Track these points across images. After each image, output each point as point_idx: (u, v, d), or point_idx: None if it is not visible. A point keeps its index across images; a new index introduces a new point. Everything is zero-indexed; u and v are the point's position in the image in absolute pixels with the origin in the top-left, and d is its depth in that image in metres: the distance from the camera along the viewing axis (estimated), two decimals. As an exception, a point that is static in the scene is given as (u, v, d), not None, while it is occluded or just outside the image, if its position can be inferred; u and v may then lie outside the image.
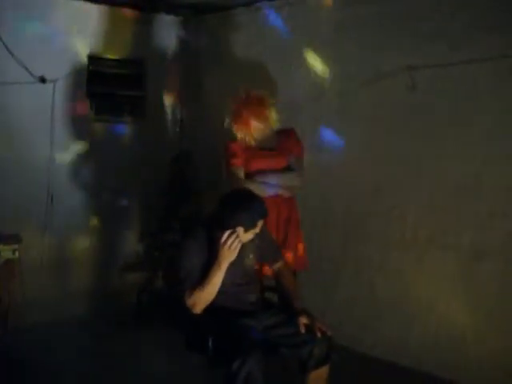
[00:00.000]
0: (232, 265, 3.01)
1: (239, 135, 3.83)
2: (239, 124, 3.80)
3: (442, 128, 3.92)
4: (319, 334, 2.94)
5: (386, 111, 4.23)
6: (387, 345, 4.19)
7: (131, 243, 5.54)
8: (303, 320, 3.00)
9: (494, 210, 3.68)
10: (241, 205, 2.99)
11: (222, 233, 2.96)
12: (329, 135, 4.54)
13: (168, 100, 5.72)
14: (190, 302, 2.99)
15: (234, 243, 2.93)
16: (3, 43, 4.56)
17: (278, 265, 3.33)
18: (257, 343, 2.87)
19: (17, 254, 4.28)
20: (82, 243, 5.21)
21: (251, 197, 3.07)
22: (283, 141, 3.91)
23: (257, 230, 3.02)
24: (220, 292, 3.01)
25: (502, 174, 3.65)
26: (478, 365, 3.72)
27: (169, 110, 5.74)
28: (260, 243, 3.21)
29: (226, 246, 2.92)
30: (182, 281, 3.04)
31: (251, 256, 3.20)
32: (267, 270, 3.45)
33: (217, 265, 2.95)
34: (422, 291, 4.05)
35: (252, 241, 3.08)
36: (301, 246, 3.92)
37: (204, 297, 2.98)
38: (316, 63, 4.61)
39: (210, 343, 2.92)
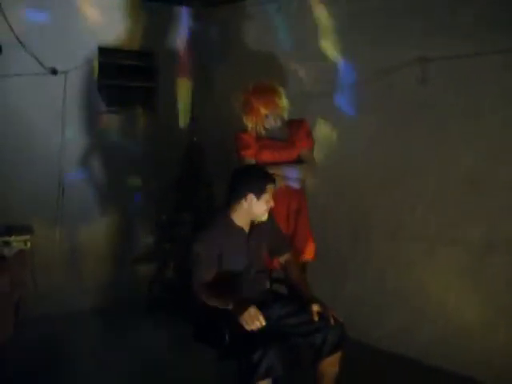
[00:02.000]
0: (246, 253, 3.12)
1: (250, 125, 3.82)
2: (249, 113, 3.80)
3: (451, 121, 3.90)
4: (332, 321, 2.97)
5: (395, 104, 4.21)
6: (396, 338, 4.19)
7: (142, 235, 5.55)
8: (315, 308, 3.02)
9: (505, 203, 3.66)
10: (248, 173, 3.17)
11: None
12: (338, 127, 4.53)
13: (179, 92, 5.72)
14: (200, 297, 3.04)
15: (257, 321, 2.81)
16: (14, 35, 4.57)
17: (286, 256, 3.35)
18: (275, 334, 2.88)
19: (29, 244, 4.29)
20: (94, 235, 5.23)
21: (257, 167, 3.27)
22: (294, 132, 3.90)
23: (267, 197, 3.09)
24: (234, 279, 3.08)
25: (512, 167, 3.64)
26: (488, 359, 3.71)
27: (180, 101, 5.74)
28: (270, 234, 3.26)
29: (250, 317, 2.81)
30: (197, 274, 3.07)
31: (263, 244, 3.25)
32: (276, 262, 3.46)
33: (229, 304, 2.88)
34: (431, 285, 4.04)
35: (264, 227, 3.18)
36: (310, 237, 3.93)
37: (211, 303, 3.00)
38: (327, 55, 4.60)
39: (227, 336, 2.90)
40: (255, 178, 3.10)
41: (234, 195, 3.10)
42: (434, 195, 4.02)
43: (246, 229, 3.19)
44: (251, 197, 3.06)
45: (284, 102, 3.84)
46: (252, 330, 2.78)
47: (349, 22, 4.47)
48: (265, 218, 3.16)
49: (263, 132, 3.83)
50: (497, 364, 3.67)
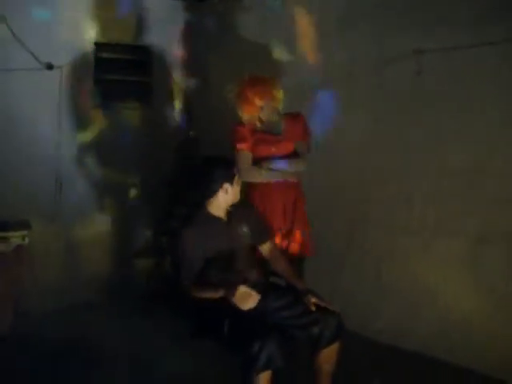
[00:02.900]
0: (229, 241, 3.17)
1: (245, 117, 3.80)
2: (244, 104, 3.77)
3: (447, 113, 3.90)
4: (330, 309, 3.01)
5: (391, 97, 4.22)
6: (394, 330, 4.20)
7: (139, 229, 5.57)
8: (312, 299, 3.05)
9: (501, 195, 3.67)
10: (217, 165, 3.22)
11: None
12: (334, 121, 4.53)
13: (175, 86, 5.71)
14: (191, 292, 3.06)
15: (250, 298, 2.86)
16: (10, 30, 4.56)
17: (268, 246, 3.38)
18: (272, 326, 2.90)
19: (26, 240, 4.28)
20: (91, 230, 5.23)
21: (219, 157, 3.33)
22: (290, 125, 3.89)
23: (237, 178, 3.23)
24: (223, 270, 3.11)
25: (508, 159, 3.64)
26: (485, 349, 3.72)
27: (176, 96, 5.73)
28: (249, 220, 3.31)
29: (242, 296, 2.85)
30: (183, 271, 3.11)
31: (246, 233, 3.28)
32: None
33: (219, 291, 2.92)
34: (428, 277, 4.06)
35: (242, 213, 3.27)
36: (307, 231, 3.93)
37: (202, 296, 3.03)
38: (323, 48, 4.59)
39: (226, 328, 2.91)
40: (225, 168, 3.22)
41: (210, 189, 3.19)
42: (431, 189, 4.02)
43: (224, 217, 3.25)
44: (227, 186, 3.18)
45: (280, 93, 3.83)
46: (245, 315, 2.81)
47: (345, 15, 4.47)
48: (239, 197, 3.28)
49: (259, 124, 3.82)
50: (495, 355, 3.68)
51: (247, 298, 2.83)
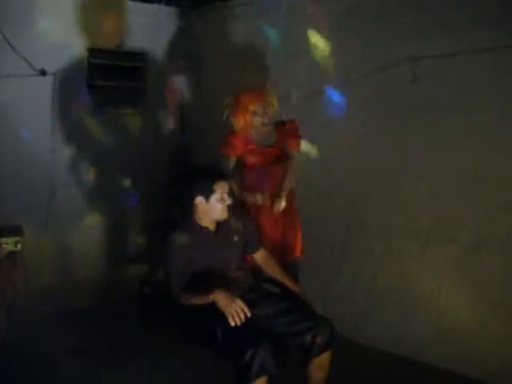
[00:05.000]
0: (216, 251, 3.14)
1: (240, 125, 3.80)
2: (237, 111, 3.78)
3: (443, 119, 3.91)
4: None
5: (387, 102, 4.22)
6: (389, 336, 4.20)
7: (133, 235, 5.56)
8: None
9: (497, 201, 3.67)
10: (193, 176, 3.15)
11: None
12: (329, 127, 4.53)
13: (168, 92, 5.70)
14: (181, 301, 3.05)
15: (241, 312, 2.84)
16: (3, 36, 4.55)
17: (261, 253, 3.38)
18: (264, 333, 2.88)
19: (19, 246, 4.25)
20: (84, 236, 5.22)
21: (203, 168, 3.28)
22: (281, 134, 3.90)
23: (218, 196, 3.09)
24: (213, 279, 3.08)
25: (505, 165, 3.64)
26: (481, 356, 3.72)
27: (169, 102, 5.71)
28: (240, 230, 3.28)
29: (230, 304, 2.84)
30: (171, 280, 3.09)
31: (236, 241, 3.26)
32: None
33: (210, 295, 2.90)
34: (423, 282, 4.05)
35: (233, 223, 3.21)
36: (299, 235, 3.95)
37: (192, 301, 3.01)
38: (316, 54, 4.60)
39: (219, 335, 2.89)
40: (200, 180, 3.12)
41: (186, 200, 3.13)
42: (427, 193, 4.02)
43: (212, 227, 3.21)
44: (200, 199, 3.09)
45: (273, 99, 3.83)
46: (237, 325, 2.79)
47: (339, 21, 4.47)
48: (224, 216, 3.16)
49: (253, 131, 3.81)
50: (490, 361, 3.68)
51: (237, 311, 2.80)
